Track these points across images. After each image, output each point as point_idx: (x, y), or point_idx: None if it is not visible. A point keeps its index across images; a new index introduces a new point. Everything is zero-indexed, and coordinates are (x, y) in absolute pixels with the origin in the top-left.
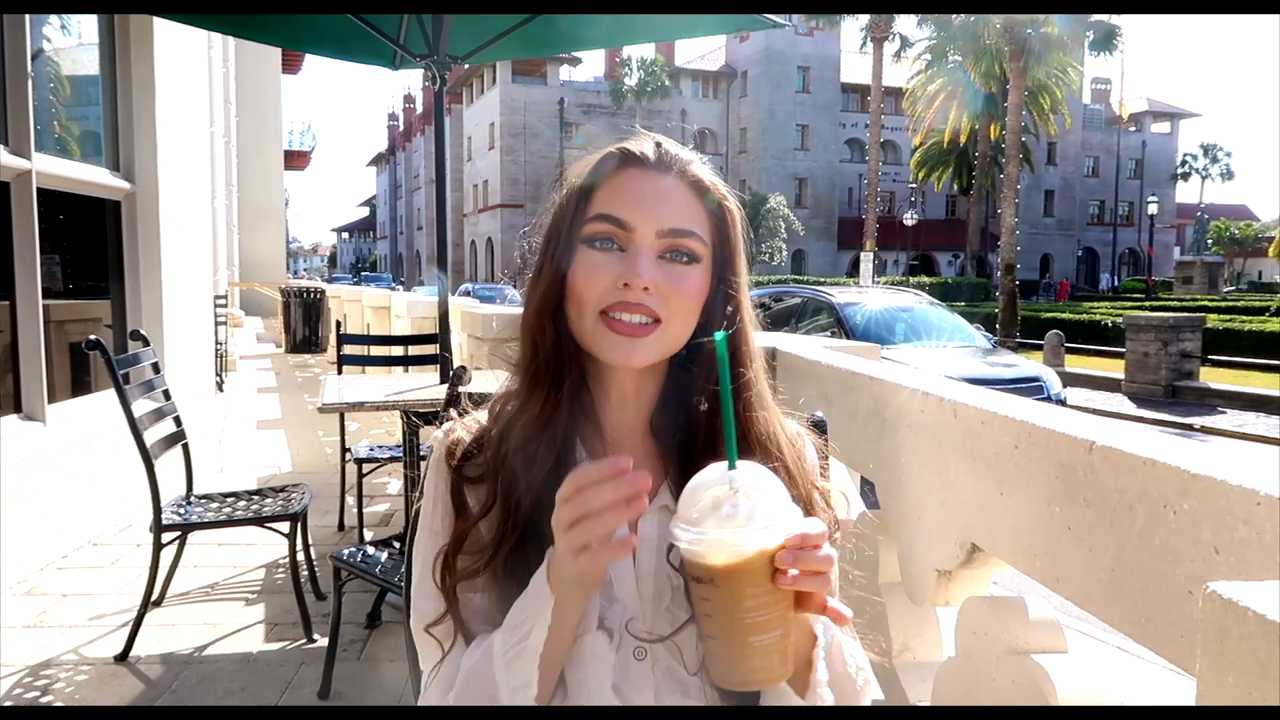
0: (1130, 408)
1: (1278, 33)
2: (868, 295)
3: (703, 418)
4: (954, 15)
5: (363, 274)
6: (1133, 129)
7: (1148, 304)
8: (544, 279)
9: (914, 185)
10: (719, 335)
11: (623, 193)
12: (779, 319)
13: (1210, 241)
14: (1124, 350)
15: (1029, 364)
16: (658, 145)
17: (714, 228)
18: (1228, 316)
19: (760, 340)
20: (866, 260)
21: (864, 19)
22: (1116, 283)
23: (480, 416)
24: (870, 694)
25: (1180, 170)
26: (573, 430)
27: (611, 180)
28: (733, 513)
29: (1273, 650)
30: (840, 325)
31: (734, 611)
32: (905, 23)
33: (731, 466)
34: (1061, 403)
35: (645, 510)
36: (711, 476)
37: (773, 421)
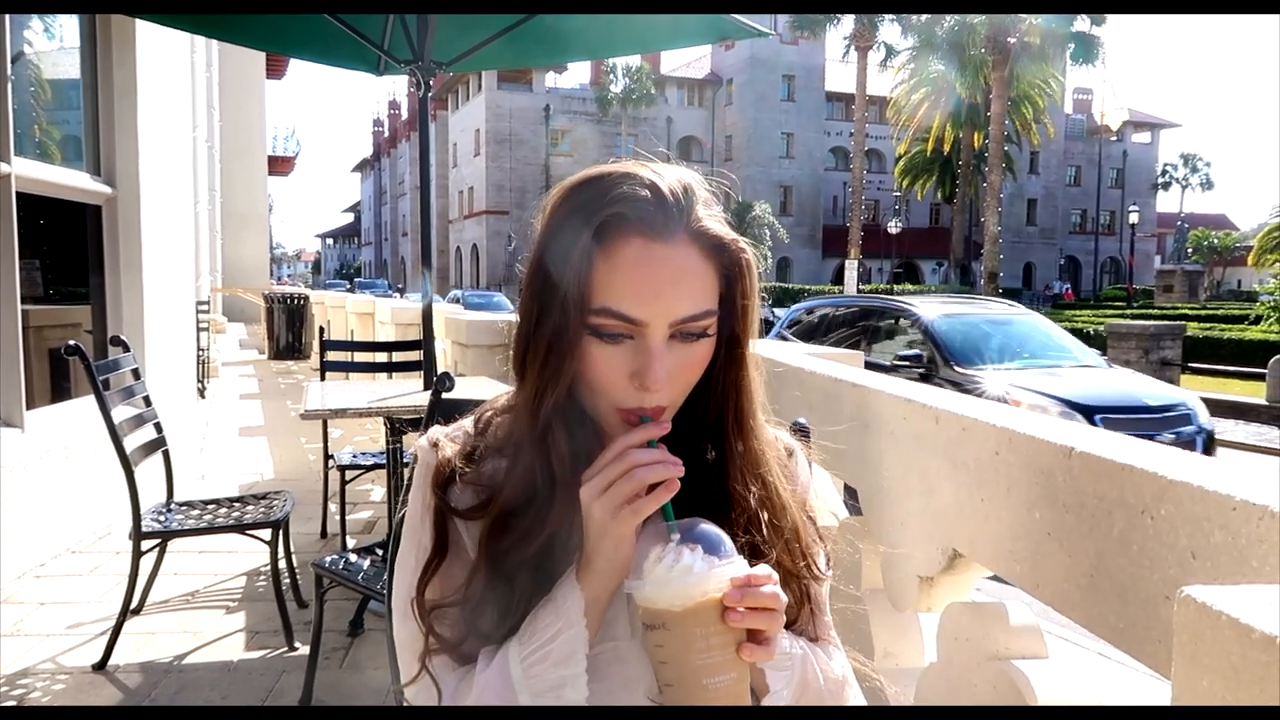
0: None
1: (1257, 44)
2: (956, 305)
3: (697, 463)
4: (938, 26)
5: (357, 281)
6: (1114, 139)
7: (1129, 312)
8: (550, 355)
9: (898, 193)
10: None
11: (628, 278)
12: (845, 337)
13: (1190, 250)
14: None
15: (1170, 388)
16: (659, 196)
17: (724, 284)
18: (1208, 324)
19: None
20: (851, 268)
21: (848, 28)
22: (1075, 290)
23: (466, 425)
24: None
25: (1161, 180)
26: (573, 476)
27: (615, 255)
28: (676, 560)
29: (1246, 654)
30: (930, 342)
31: (686, 654)
32: (890, 31)
33: (669, 519)
34: (1210, 437)
35: (683, 473)
36: (656, 534)
37: (766, 458)
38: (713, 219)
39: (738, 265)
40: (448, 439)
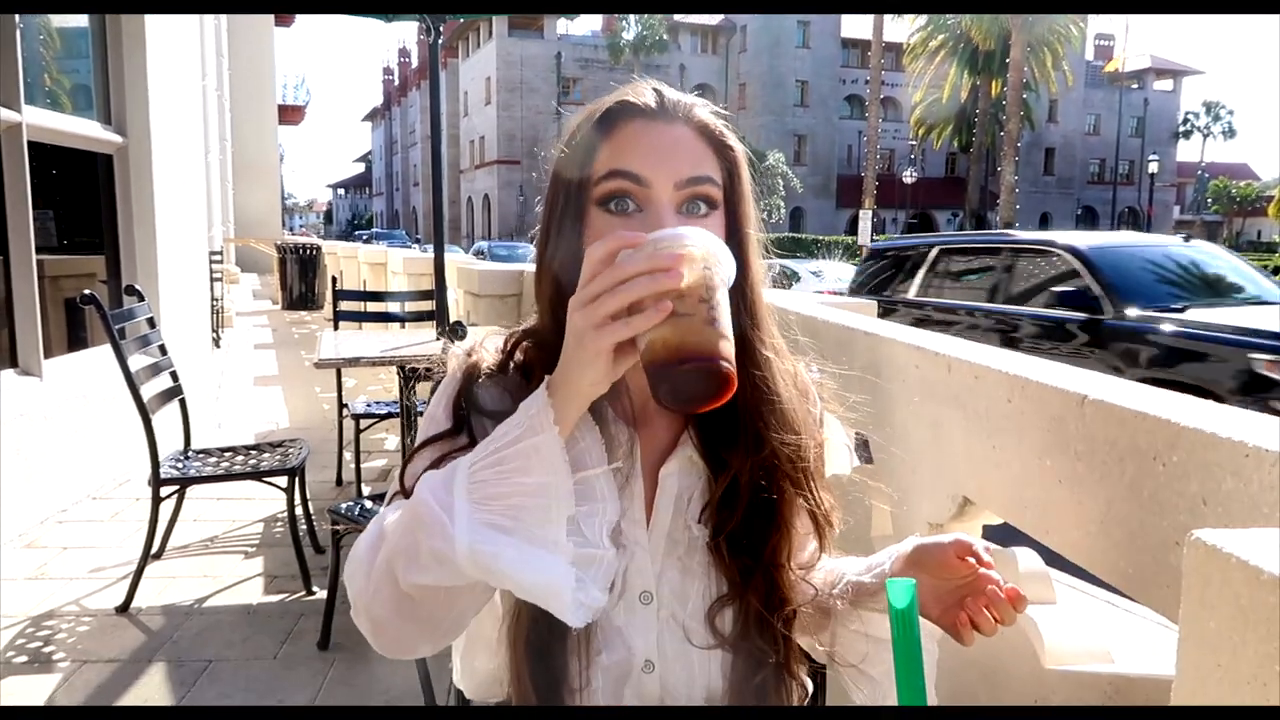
0: None
1: None
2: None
3: None
4: None
5: (376, 232)
6: (1135, 86)
7: None
8: (556, 247)
9: (914, 143)
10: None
11: (632, 145)
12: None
13: (1210, 200)
14: None
15: None
16: (658, 92)
17: (724, 173)
18: None
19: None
20: (865, 218)
21: None
22: None
23: (497, 341)
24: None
25: (1182, 128)
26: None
27: (617, 134)
28: None
29: (1254, 595)
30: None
31: None
32: None
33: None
34: None
35: (680, 281)
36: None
37: (783, 382)
38: (708, 114)
39: (731, 157)
40: (481, 348)
